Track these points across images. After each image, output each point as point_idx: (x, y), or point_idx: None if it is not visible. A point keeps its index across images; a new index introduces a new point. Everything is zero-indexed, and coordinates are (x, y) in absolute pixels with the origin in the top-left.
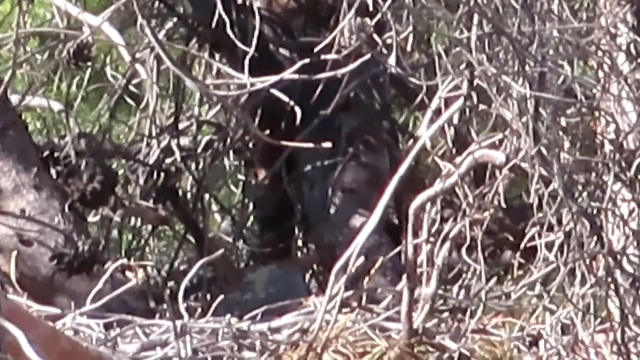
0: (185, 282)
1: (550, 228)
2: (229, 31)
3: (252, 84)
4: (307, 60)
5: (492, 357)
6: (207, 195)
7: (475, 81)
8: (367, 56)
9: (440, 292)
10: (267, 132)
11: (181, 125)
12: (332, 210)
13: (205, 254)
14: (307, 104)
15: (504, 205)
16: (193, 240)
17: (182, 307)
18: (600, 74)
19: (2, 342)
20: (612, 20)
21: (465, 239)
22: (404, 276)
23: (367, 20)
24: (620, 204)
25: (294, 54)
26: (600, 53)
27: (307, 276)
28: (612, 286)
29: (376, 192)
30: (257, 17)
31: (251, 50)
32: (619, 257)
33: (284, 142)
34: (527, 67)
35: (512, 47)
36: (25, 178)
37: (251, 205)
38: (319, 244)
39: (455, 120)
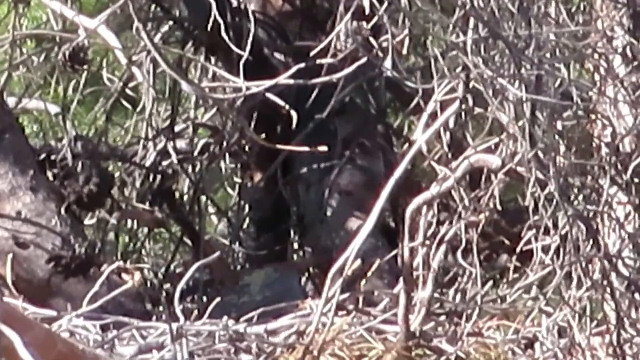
0: (181, 285)
1: (546, 231)
2: (224, 35)
3: (247, 88)
4: (302, 65)
5: (487, 359)
6: (203, 198)
7: (471, 84)
8: (363, 60)
9: (436, 295)
10: (263, 135)
11: (177, 128)
12: (328, 213)
13: (201, 256)
14: (303, 108)
15: (499, 209)
16: (189, 243)
17: (178, 309)
18: (597, 77)
19: None
20: (609, 23)
21: (461, 242)
22: (401, 279)
23: (363, 23)
24: (616, 207)
25: (288, 57)
26: (596, 56)
27: (303, 279)
28: (608, 289)
29: (371, 196)
30: (252, 20)
31: (245, 54)
32: (614, 260)
33: (279, 146)
34: (523, 70)
35: (509, 50)
36: (21, 180)
37: (247, 208)
38: (315, 246)
39: (451, 124)
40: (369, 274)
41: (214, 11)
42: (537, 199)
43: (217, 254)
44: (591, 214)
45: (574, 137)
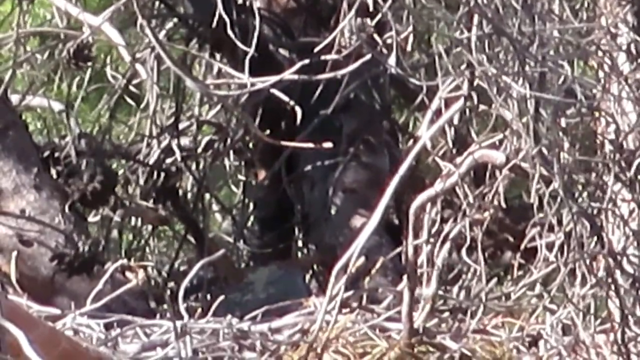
0: (185, 283)
1: (551, 228)
2: (229, 31)
3: (252, 84)
4: (307, 61)
5: (492, 357)
6: (207, 196)
7: (476, 81)
8: (368, 56)
9: (440, 292)
10: (267, 132)
11: (181, 126)
12: (332, 211)
13: (205, 254)
14: (308, 104)
15: (504, 206)
16: (193, 241)
17: (182, 307)
18: (601, 74)
19: (2, 342)
20: (613, 20)
21: (466, 239)
22: (405, 276)
23: (368, 20)
24: (620, 204)
25: (293, 54)
26: (600, 53)
27: (308, 276)
28: (613, 286)
29: (376, 193)
30: (257, 17)
31: (251, 51)
32: (619, 257)
33: (284, 142)
34: (527, 68)
35: (513, 47)
36: (25, 178)
37: (251, 206)
38: (319, 244)
39: (456, 121)
40: (373, 271)
41: (219, 8)
42: (542, 196)
43: (222, 251)
44: (595, 211)
45: (577, 134)
